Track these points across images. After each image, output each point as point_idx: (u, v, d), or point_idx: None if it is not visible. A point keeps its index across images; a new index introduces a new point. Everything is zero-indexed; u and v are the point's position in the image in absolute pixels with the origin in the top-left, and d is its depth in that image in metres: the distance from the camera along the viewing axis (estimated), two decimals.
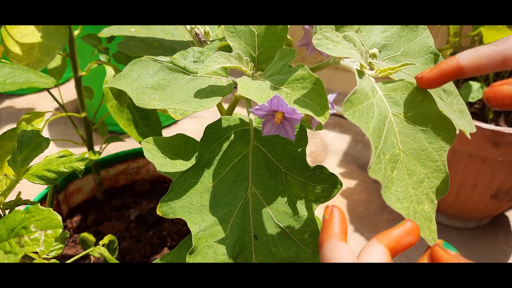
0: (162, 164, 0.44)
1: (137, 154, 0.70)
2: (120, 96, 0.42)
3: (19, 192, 0.39)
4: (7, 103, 1.39)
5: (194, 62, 0.39)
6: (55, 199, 0.62)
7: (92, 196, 0.68)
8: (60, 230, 0.29)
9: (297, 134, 0.40)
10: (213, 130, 0.40)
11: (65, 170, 0.34)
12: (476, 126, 0.70)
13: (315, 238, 0.38)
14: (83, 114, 0.58)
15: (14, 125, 1.27)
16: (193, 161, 0.46)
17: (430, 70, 0.32)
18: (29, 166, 0.35)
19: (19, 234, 0.28)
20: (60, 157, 0.35)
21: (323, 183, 0.38)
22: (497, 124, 0.94)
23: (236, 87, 0.36)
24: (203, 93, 0.37)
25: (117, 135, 0.69)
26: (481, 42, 0.98)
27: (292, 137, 0.33)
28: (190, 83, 0.37)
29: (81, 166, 0.35)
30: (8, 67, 0.29)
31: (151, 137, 0.47)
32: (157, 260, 0.41)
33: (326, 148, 1.30)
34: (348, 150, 1.30)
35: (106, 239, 0.50)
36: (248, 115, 0.43)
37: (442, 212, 1.05)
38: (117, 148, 1.11)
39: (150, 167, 0.73)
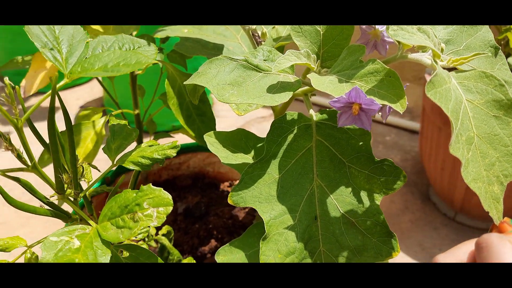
0: (225, 156, 0.46)
1: (179, 150, 0.72)
2: (194, 92, 0.44)
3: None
4: (34, 100, 1.42)
5: (264, 60, 0.41)
6: (105, 192, 0.64)
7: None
8: (171, 208, 0.31)
9: (360, 129, 0.42)
10: (279, 125, 0.42)
11: (158, 156, 0.36)
12: None
13: (381, 228, 0.40)
14: (136, 111, 0.60)
15: (43, 122, 1.29)
16: (252, 154, 0.48)
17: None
18: (123, 153, 0.37)
19: (132, 211, 0.30)
20: (150, 146, 0.37)
21: (387, 176, 0.40)
22: None
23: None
24: (275, 89, 0.39)
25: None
26: (506, 46, 1.00)
27: (368, 128, 0.35)
28: (262, 80, 0.40)
29: (173, 153, 0.37)
30: (120, 51, 0.31)
31: (213, 132, 0.49)
32: (226, 245, 0.43)
33: None
34: None
35: (164, 229, 0.52)
36: (308, 111, 0.45)
37: (465, 212, 1.06)
38: None
39: (190, 163, 0.75)
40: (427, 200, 1.12)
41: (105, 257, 0.28)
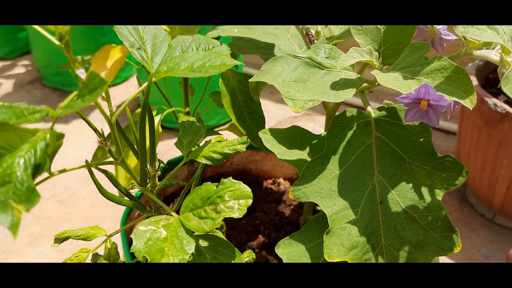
0: (281, 152, 0.48)
1: None
2: (255, 90, 0.46)
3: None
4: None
5: (326, 58, 0.42)
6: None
7: (184, 186, 0.72)
8: (251, 201, 0.32)
9: (420, 125, 0.42)
10: (339, 121, 0.43)
11: (229, 151, 0.38)
12: None
13: (443, 223, 0.40)
14: (187, 109, 0.62)
15: (80, 120, 1.33)
16: (308, 150, 0.49)
17: None
18: (194, 148, 0.38)
19: (214, 202, 0.31)
20: (218, 141, 0.39)
21: (449, 172, 0.40)
22: None
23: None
24: (338, 86, 0.40)
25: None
26: None
27: (436, 123, 0.36)
28: (325, 77, 0.40)
29: (243, 148, 0.38)
30: (204, 52, 0.33)
31: (267, 129, 0.50)
32: (286, 238, 0.44)
33: None
34: None
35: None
36: (366, 108, 0.46)
37: (505, 214, 1.05)
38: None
39: (234, 161, 0.77)
40: (464, 201, 1.10)
41: (190, 246, 0.29)
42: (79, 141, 1.30)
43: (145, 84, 0.32)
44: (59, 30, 0.27)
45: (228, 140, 0.39)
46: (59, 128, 1.30)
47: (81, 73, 0.29)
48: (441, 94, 0.34)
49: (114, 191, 0.42)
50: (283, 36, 0.59)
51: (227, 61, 0.30)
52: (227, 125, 1.38)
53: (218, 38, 0.61)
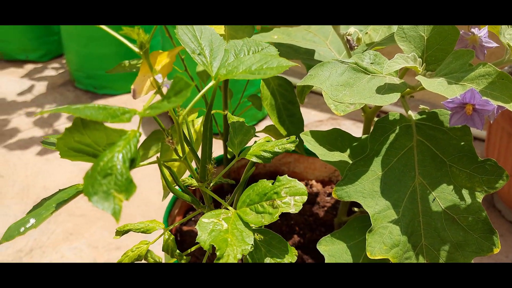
0: (323, 154, 0.49)
1: None
2: (302, 93, 0.48)
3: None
4: (103, 102, 1.50)
5: (371, 63, 0.43)
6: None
7: (218, 186, 0.75)
8: (306, 197, 0.34)
9: (461, 130, 0.44)
10: (382, 125, 0.45)
11: (279, 150, 0.40)
12: None
13: (483, 225, 0.41)
14: (226, 112, 0.64)
15: (109, 123, 1.37)
16: (348, 152, 0.51)
17: None
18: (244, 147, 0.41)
19: (271, 198, 0.34)
20: (267, 141, 0.41)
21: (490, 175, 0.42)
22: None
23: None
24: (383, 90, 0.42)
25: None
26: None
27: (480, 127, 0.37)
28: (371, 82, 0.42)
29: (292, 147, 0.40)
30: (259, 54, 0.35)
31: (309, 131, 0.52)
32: (327, 236, 0.46)
33: None
34: None
35: None
36: (406, 112, 0.48)
37: None
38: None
39: (266, 163, 0.79)
40: (491, 207, 1.10)
41: (249, 238, 0.31)
42: None
43: (207, 87, 0.34)
44: (140, 38, 0.30)
45: (277, 140, 0.41)
46: None
47: (159, 78, 0.31)
48: (487, 99, 0.36)
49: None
50: (322, 43, 0.61)
51: (283, 63, 0.32)
52: (256, 127, 1.40)
53: None
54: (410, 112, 0.47)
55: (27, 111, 1.47)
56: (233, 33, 0.50)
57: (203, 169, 0.37)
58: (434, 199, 0.42)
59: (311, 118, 1.48)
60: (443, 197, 0.43)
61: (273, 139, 0.43)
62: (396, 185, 0.43)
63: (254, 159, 0.39)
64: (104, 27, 0.34)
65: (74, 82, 1.57)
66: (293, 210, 0.33)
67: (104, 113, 0.24)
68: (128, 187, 0.23)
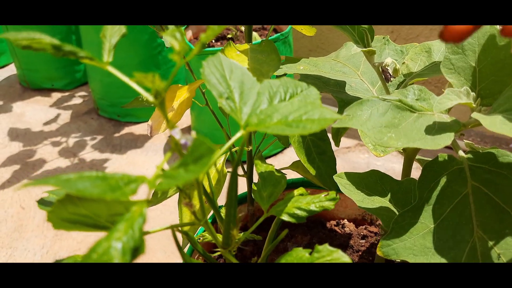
0: (361, 200, 0.44)
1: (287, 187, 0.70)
2: (337, 135, 0.43)
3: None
4: (126, 129, 1.48)
5: (416, 100, 0.38)
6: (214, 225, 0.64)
7: (243, 225, 0.69)
8: None
9: None
10: (431, 168, 0.39)
11: (315, 209, 0.34)
12: None
13: None
14: (250, 148, 0.60)
15: (135, 150, 1.34)
16: (389, 197, 0.45)
17: None
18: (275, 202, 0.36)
19: None
20: (300, 195, 0.36)
21: None
22: None
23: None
24: (433, 131, 0.36)
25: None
26: None
27: None
28: (418, 121, 0.37)
29: (331, 205, 0.35)
30: (298, 100, 0.30)
31: (343, 172, 0.47)
32: None
33: None
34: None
35: None
36: (457, 153, 0.42)
37: None
38: None
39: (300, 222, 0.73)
40: None
41: None
42: (133, 171, 1.30)
43: (233, 140, 0.29)
44: (155, 86, 0.25)
45: (313, 196, 0.36)
46: (113, 157, 1.32)
47: (176, 133, 0.26)
48: None
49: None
50: (353, 73, 0.56)
51: (327, 115, 0.27)
52: (279, 155, 1.35)
53: (283, 75, 0.59)
54: (461, 152, 0.41)
55: (52, 140, 1.46)
56: (258, 66, 0.46)
57: (227, 234, 0.32)
58: (498, 257, 0.36)
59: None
60: (508, 254, 0.36)
61: (308, 192, 0.37)
62: (452, 240, 0.37)
63: (286, 218, 0.34)
64: (117, 73, 0.30)
65: (98, 110, 1.56)
66: None
67: (102, 186, 0.20)
68: None
